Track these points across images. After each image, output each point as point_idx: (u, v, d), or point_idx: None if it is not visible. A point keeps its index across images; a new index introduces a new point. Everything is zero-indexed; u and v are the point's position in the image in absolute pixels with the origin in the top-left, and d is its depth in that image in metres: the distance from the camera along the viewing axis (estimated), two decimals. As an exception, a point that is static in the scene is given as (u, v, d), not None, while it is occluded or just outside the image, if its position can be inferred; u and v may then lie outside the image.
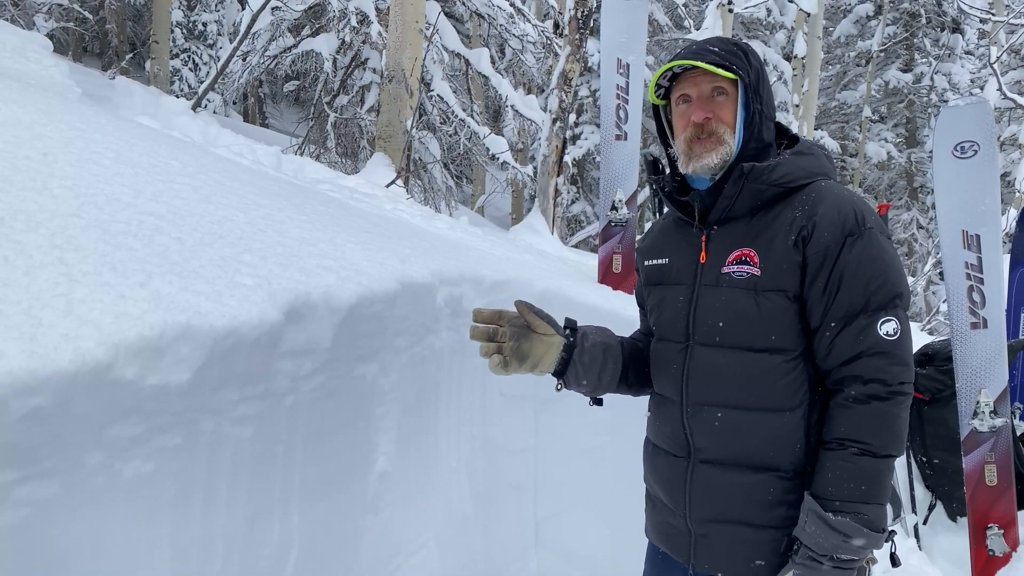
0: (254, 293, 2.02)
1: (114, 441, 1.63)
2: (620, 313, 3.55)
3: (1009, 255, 5.36)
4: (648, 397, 2.03)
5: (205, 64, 17.82)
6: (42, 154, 2.24)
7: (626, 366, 1.98)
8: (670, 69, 1.81)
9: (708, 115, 1.78)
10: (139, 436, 1.68)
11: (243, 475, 2.01)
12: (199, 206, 2.38)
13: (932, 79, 21.26)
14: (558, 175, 7.94)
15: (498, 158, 10.07)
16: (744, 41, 1.93)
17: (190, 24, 18.20)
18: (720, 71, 1.75)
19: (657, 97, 1.90)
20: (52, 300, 1.61)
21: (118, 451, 1.64)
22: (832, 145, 20.33)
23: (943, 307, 12.62)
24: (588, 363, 1.91)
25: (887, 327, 1.66)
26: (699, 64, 1.76)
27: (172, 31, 16.06)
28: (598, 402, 2.04)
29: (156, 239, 2.03)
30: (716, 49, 1.79)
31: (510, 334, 1.85)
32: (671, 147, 1.93)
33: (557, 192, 7.93)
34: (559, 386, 1.95)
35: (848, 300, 1.67)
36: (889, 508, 1.70)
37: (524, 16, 10.77)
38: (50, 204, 1.96)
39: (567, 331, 1.92)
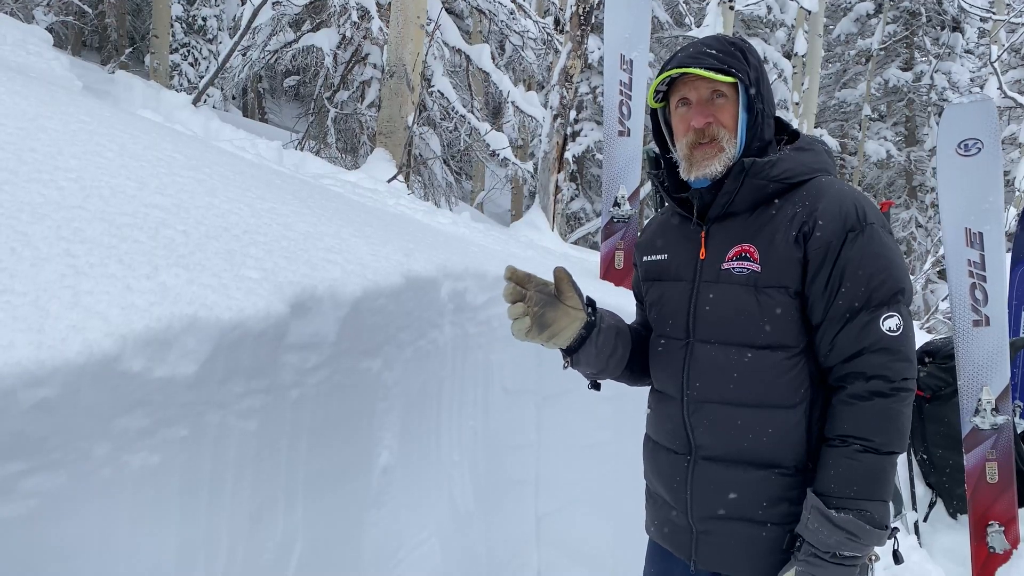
0: (260, 286, 2.02)
1: (121, 433, 1.62)
2: (623, 309, 3.52)
3: (1010, 254, 5.37)
4: (647, 391, 2.03)
5: (205, 59, 17.79)
6: (47, 146, 2.23)
7: (634, 353, 1.97)
8: (668, 75, 1.80)
9: (708, 120, 1.77)
10: (146, 428, 1.68)
11: (248, 468, 2.00)
12: (204, 199, 2.38)
13: (932, 78, 21.28)
14: (559, 172, 7.93)
15: (498, 154, 10.06)
16: (742, 38, 1.91)
17: (190, 19, 18.16)
18: (719, 76, 1.74)
19: (656, 100, 1.89)
20: (59, 291, 1.61)
21: (125, 443, 1.63)
22: (832, 143, 20.32)
23: (942, 305, 12.64)
24: (601, 345, 1.88)
25: (890, 323, 1.66)
26: (696, 71, 1.75)
27: (172, 26, 16.02)
28: (596, 386, 2.04)
29: (162, 232, 2.02)
30: (714, 52, 1.77)
31: (536, 300, 1.79)
32: (669, 152, 1.92)
33: (558, 189, 7.93)
34: (566, 364, 1.92)
35: (850, 296, 1.67)
36: (890, 505, 1.70)
37: (525, 12, 10.76)
38: (56, 196, 1.95)
39: (588, 309, 1.89)
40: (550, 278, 1.84)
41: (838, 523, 1.60)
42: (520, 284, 1.80)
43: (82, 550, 1.58)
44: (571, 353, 1.89)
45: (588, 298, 1.92)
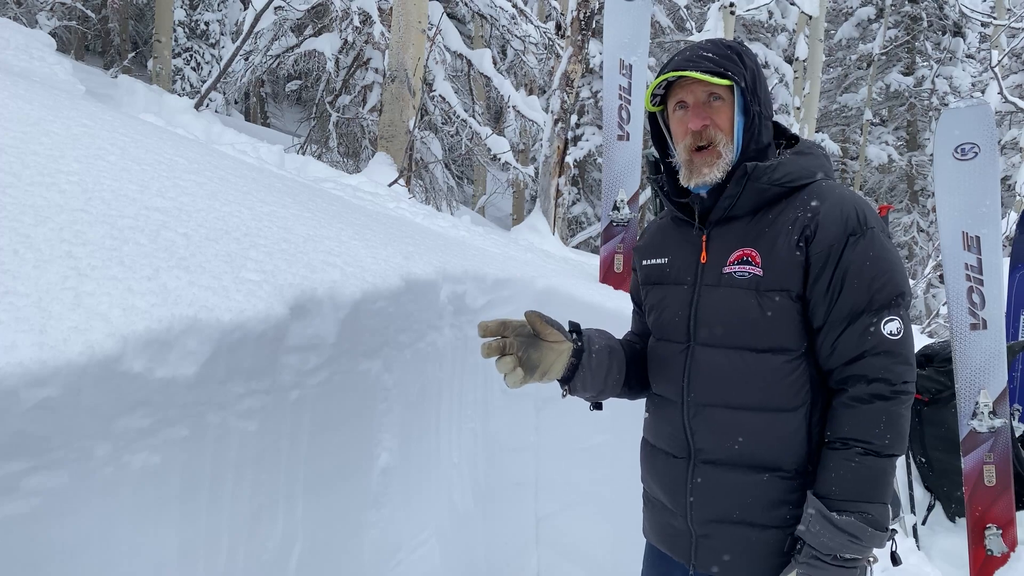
0: (260, 288, 2.04)
1: (122, 433, 1.64)
2: (622, 312, 3.57)
3: (1009, 258, 5.38)
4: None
5: (207, 63, 17.84)
6: (49, 150, 2.25)
7: (629, 370, 1.96)
8: (665, 78, 1.82)
9: (705, 122, 1.78)
10: (147, 428, 1.69)
11: (248, 468, 2.02)
12: (205, 202, 2.40)
13: (933, 82, 21.30)
14: (560, 176, 7.94)
15: (500, 158, 10.06)
16: (739, 41, 1.92)
17: (192, 23, 18.22)
18: (715, 80, 1.75)
19: (653, 104, 1.90)
20: (61, 293, 1.63)
21: (126, 443, 1.65)
22: (833, 148, 20.35)
23: (943, 310, 12.63)
24: (595, 368, 1.88)
25: (891, 326, 1.67)
26: (692, 74, 1.76)
27: (174, 30, 16.08)
28: (598, 406, 2.03)
29: (163, 234, 2.04)
30: (710, 55, 1.78)
31: (518, 344, 1.78)
32: (669, 156, 1.94)
33: (559, 193, 7.93)
34: (564, 393, 1.91)
35: (851, 299, 1.68)
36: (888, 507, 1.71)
37: (526, 17, 10.77)
38: (58, 199, 1.97)
39: (573, 336, 1.88)
40: (539, 298, 1.84)
41: (840, 525, 1.61)
42: (496, 334, 1.79)
43: (84, 548, 1.60)
44: (566, 382, 1.89)
45: (572, 324, 1.92)
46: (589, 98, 16.34)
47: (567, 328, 1.89)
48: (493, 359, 1.79)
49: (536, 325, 1.82)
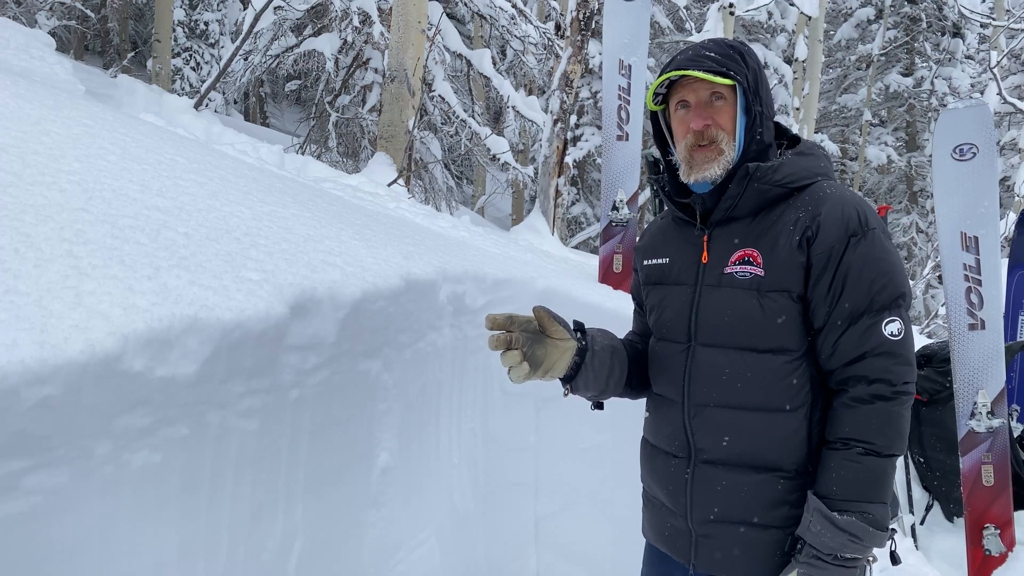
0: (260, 288, 2.04)
1: (123, 431, 1.64)
2: (621, 312, 3.57)
3: (1007, 258, 5.39)
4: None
5: (207, 63, 17.84)
6: (50, 149, 2.25)
7: (631, 370, 1.96)
8: (667, 78, 1.82)
9: (707, 122, 1.78)
10: (147, 427, 1.70)
11: (248, 467, 2.02)
12: (205, 202, 2.40)
13: (933, 83, 21.31)
14: (559, 176, 7.94)
15: (499, 159, 10.07)
16: (741, 41, 1.92)
17: (192, 23, 18.22)
18: (717, 79, 1.76)
19: (655, 103, 1.90)
20: (62, 292, 1.63)
21: (127, 441, 1.66)
22: (832, 148, 20.36)
23: (942, 311, 12.64)
24: (598, 367, 1.88)
25: (891, 327, 1.67)
26: (695, 74, 1.76)
27: (174, 30, 16.07)
28: (599, 406, 2.03)
29: (163, 234, 2.05)
30: (712, 54, 1.78)
31: (523, 340, 1.78)
32: (670, 155, 1.94)
33: (558, 193, 7.93)
34: (566, 392, 1.91)
35: (852, 300, 1.68)
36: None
37: (526, 17, 10.76)
38: (59, 198, 1.97)
39: (578, 335, 1.88)
40: (539, 299, 1.84)
41: (841, 525, 1.61)
42: (503, 328, 1.78)
43: (84, 547, 1.60)
44: (569, 381, 1.88)
45: (576, 323, 1.92)
46: (589, 98, 16.33)
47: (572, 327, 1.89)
48: (497, 354, 1.79)
49: (543, 321, 1.82)
